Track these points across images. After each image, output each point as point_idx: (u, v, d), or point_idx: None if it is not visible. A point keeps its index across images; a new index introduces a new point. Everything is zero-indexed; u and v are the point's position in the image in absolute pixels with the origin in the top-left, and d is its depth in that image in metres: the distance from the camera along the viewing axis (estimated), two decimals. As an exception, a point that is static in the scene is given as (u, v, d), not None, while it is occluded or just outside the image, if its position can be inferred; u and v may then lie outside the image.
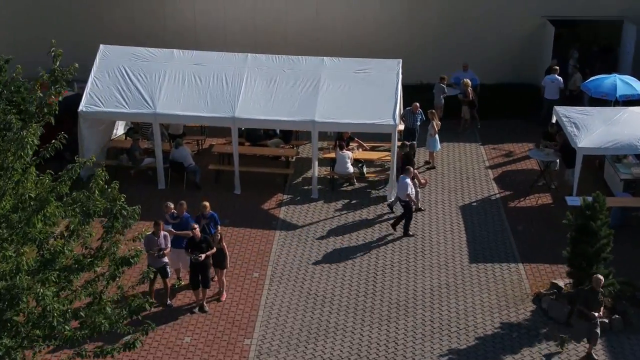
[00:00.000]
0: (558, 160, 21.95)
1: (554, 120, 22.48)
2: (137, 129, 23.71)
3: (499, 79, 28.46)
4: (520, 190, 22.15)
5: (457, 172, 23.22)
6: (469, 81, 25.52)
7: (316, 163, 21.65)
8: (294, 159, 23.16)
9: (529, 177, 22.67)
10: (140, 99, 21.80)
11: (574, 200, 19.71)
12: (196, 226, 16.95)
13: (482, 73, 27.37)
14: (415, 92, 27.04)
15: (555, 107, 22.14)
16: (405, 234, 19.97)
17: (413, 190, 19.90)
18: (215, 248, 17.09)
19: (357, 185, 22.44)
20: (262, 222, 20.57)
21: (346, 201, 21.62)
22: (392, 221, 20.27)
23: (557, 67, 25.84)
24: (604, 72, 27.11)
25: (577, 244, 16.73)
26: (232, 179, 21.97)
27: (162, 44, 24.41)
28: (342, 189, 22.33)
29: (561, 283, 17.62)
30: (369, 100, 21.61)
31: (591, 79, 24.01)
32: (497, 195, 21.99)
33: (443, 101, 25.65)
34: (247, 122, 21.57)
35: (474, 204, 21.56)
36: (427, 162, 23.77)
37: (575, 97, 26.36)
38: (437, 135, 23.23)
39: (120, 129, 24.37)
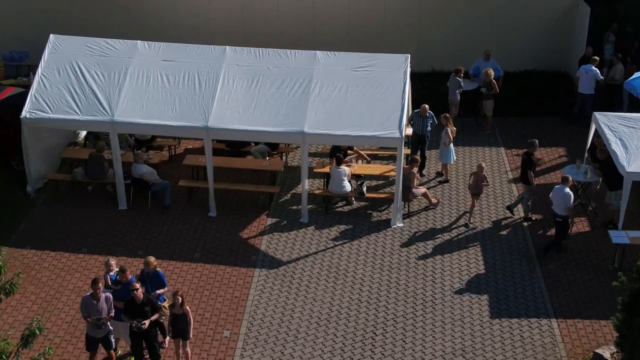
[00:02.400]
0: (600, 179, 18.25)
1: (592, 131, 18.69)
2: (99, 135, 20.11)
3: (523, 67, 24.74)
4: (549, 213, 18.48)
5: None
6: (491, 71, 21.69)
7: (306, 182, 18.01)
8: (282, 169, 19.48)
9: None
10: (95, 103, 18.13)
11: (619, 237, 16.12)
12: (138, 286, 13.42)
13: (504, 60, 23.56)
14: (425, 81, 23.50)
15: (595, 114, 18.33)
16: (558, 250, 17.05)
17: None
18: (173, 312, 13.64)
19: (355, 204, 18.84)
20: (240, 256, 17.04)
21: (342, 227, 18.04)
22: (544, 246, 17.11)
23: (597, 58, 21.95)
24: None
25: (631, 314, 13.13)
26: (208, 198, 18.42)
27: (137, 34, 20.77)
28: (337, 209, 18.74)
29: (607, 354, 14.09)
30: (370, 107, 17.89)
31: (636, 75, 20.10)
32: (522, 221, 18.34)
33: (459, 97, 21.88)
34: (222, 132, 17.87)
35: (495, 230, 17.94)
36: (438, 174, 20.10)
37: (613, 92, 22.51)
38: (452, 145, 19.52)
39: (83, 132, 20.77)
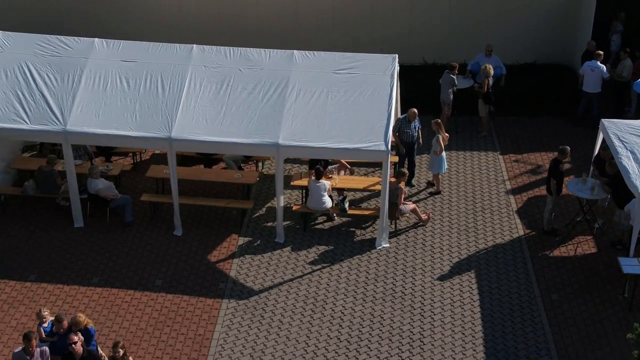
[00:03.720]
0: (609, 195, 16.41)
1: (599, 140, 16.85)
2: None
3: (523, 59, 22.87)
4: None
5: (468, 201, 17.70)
6: (490, 67, 19.75)
7: (281, 199, 16.17)
8: (256, 181, 17.61)
9: (564, 211, 17.19)
10: (45, 110, 16.21)
11: (631, 265, 14.35)
12: (76, 338, 11.60)
13: (501, 51, 21.67)
14: (416, 75, 21.68)
15: (603, 121, 16.47)
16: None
17: None
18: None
19: (336, 220, 17.03)
20: (206, 284, 15.24)
21: (322, 248, 16.23)
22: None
23: (601, 52, 20.04)
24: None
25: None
26: (173, 214, 16.60)
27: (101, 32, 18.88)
28: (317, 226, 16.93)
29: (617, 408, 12.40)
30: (353, 115, 16.02)
31: (647, 74, 18.26)
32: (522, 237, 16.55)
33: (452, 96, 19.98)
34: (187, 144, 15.97)
35: (491, 252, 16.15)
36: (429, 184, 18.27)
37: (620, 90, 20.62)
38: (444, 153, 17.65)
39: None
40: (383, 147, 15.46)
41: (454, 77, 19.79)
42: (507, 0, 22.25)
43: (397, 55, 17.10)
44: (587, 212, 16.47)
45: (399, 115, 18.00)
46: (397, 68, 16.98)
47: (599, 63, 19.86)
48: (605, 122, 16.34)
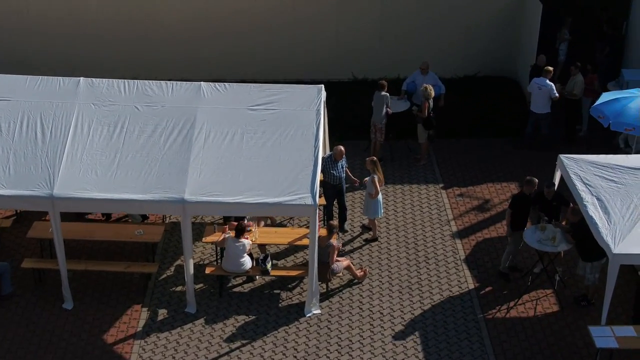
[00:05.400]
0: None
1: (556, 178, 14.67)
2: None
3: (462, 72, 20.74)
4: (507, 287, 14.49)
5: (409, 249, 15.38)
6: (431, 89, 17.42)
7: (191, 262, 13.54)
8: (162, 237, 14.89)
9: (519, 259, 15.00)
10: None
11: (604, 337, 12.20)
12: None
13: (439, 64, 19.50)
14: (344, 91, 19.36)
15: (561, 157, 14.29)
16: None
17: None
18: None
19: (258, 279, 14.53)
20: (102, 374, 12.61)
21: (241, 319, 13.70)
22: None
23: (551, 69, 17.92)
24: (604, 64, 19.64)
25: None
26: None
27: None
28: (235, 288, 14.39)
29: None
30: (273, 161, 13.49)
31: (604, 97, 16.07)
32: (472, 293, 14.31)
33: (385, 120, 17.60)
34: (74, 203, 13.16)
35: (438, 313, 13.87)
36: (365, 228, 15.90)
37: (571, 108, 18.55)
38: (380, 196, 15.27)
39: None
40: (310, 201, 12.98)
41: (386, 94, 17.40)
42: (442, 6, 20.00)
43: (323, 86, 14.60)
44: (547, 264, 14.31)
45: (324, 155, 15.51)
46: (324, 99, 14.51)
47: (547, 81, 17.74)
48: (564, 158, 14.18)
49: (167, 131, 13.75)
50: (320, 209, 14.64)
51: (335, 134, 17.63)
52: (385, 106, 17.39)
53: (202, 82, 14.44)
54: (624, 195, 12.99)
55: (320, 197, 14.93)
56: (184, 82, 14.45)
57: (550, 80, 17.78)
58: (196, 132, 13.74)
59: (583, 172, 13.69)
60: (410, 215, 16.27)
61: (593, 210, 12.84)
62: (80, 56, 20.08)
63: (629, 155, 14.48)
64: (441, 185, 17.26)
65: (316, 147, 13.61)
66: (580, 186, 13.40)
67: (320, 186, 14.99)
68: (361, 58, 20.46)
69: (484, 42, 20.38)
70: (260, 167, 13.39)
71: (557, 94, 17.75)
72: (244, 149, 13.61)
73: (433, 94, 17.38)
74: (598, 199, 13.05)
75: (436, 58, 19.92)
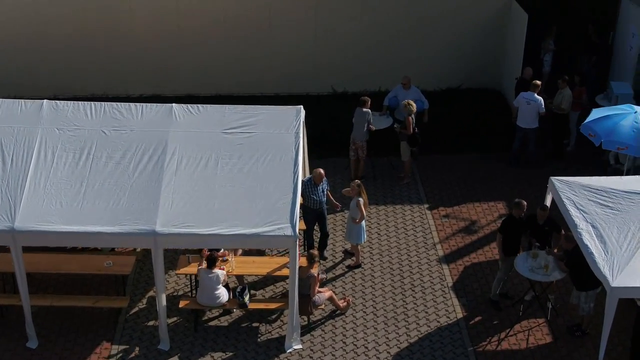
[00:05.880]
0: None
1: (547, 201, 13.99)
2: None
3: (445, 84, 20.10)
4: (497, 316, 13.80)
5: (394, 276, 14.64)
6: (413, 104, 16.70)
7: (163, 297, 12.73)
8: (132, 268, 14.03)
9: (515, 280, 14.31)
10: None
11: (601, 373, 11.55)
12: None
13: (421, 77, 18.87)
14: (323, 106, 18.66)
15: (552, 180, 13.59)
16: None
17: None
18: None
19: (235, 313, 13.74)
20: (69, 421, 11.78)
21: (218, 356, 12.88)
22: None
23: (539, 83, 17.27)
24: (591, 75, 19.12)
25: None
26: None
27: None
28: (211, 322, 13.58)
29: None
30: (249, 189, 12.70)
31: (594, 114, 15.38)
32: (461, 323, 13.58)
33: (367, 137, 16.88)
34: (36, 237, 12.26)
35: (426, 347, 13.14)
36: (347, 253, 15.15)
37: (559, 123, 17.91)
38: (363, 222, 14.53)
39: None
40: (289, 232, 12.20)
41: (369, 112, 16.69)
42: (424, 15, 19.31)
43: (302, 107, 13.83)
44: (539, 292, 13.63)
45: (303, 178, 14.72)
46: (303, 120, 13.74)
47: (536, 95, 17.10)
48: (556, 181, 13.48)
49: (136, 157, 12.93)
50: (300, 234, 13.88)
51: (315, 151, 16.93)
52: (367, 123, 16.67)
53: (173, 104, 13.62)
54: (620, 222, 12.31)
55: (300, 220, 14.25)
56: (155, 104, 13.61)
57: (538, 94, 17.15)
58: (168, 158, 12.92)
59: (576, 196, 13.01)
60: (394, 238, 15.55)
61: (588, 239, 12.15)
62: (44, 72, 19.20)
63: (622, 177, 13.87)
64: (426, 205, 16.56)
65: (295, 172, 12.84)
66: (573, 212, 12.71)
67: (300, 210, 14.30)
68: (341, 71, 19.75)
69: (468, 54, 19.73)
70: (236, 195, 12.60)
71: (544, 110, 17.11)
72: (218, 176, 12.81)
73: (415, 109, 16.67)
74: (593, 227, 12.37)
75: (418, 70, 19.31)
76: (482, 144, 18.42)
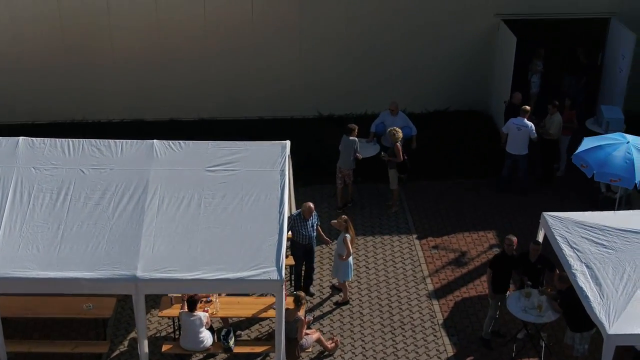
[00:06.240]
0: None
1: (540, 237, 13.64)
2: None
3: (433, 107, 19.77)
4: (489, 355, 13.43)
5: (383, 313, 14.24)
6: (398, 131, 16.33)
7: (145, 343, 12.26)
8: (114, 307, 13.55)
9: (500, 322, 13.95)
10: None
11: None
12: None
13: (407, 98, 18.57)
14: (308, 130, 18.30)
15: (544, 215, 13.26)
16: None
17: None
18: None
19: (220, 356, 13.28)
20: None
21: (202, 402, 12.50)
22: None
23: (528, 108, 16.94)
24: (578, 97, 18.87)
25: None
26: (2, 366, 12.51)
27: None
28: (195, 366, 13.17)
29: None
30: (234, 230, 12.27)
31: (586, 144, 14.98)
32: (453, 363, 13.28)
33: (354, 165, 16.52)
34: (12, 284, 11.74)
35: (418, 390, 12.80)
36: (335, 289, 14.75)
37: (548, 148, 17.57)
38: (351, 259, 14.14)
39: None
40: (275, 276, 11.78)
41: (356, 140, 16.31)
42: (409, 37, 18.92)
43: (288, 143, 13.41)
44: (532, 330, 13.29)
45: (292, 212, 14.33)
46: (288, 155, 13.33)
47: (526, 120, 16.77)
48: (548, 217, 13.14)
49: (116, 197, 12.48)
50: (286, 269, 13.46)
51: (300, 178, 16.55)
52: (354, 152, 16.29)
53: (154, 141, 13.18)
54: (615, 263, 11.99)
55: (287, 256, 13.90)
56: (135, 141, 13.16)
57: (528, 119, 16.82)
58: (149, 198, 12.48)
59: (569, 233, 12.68)
60: (383, 272, 15.16)
61: (583, 281, 11.82)
62: (21, 96, 18.70)
63: (616, 213, 13.53)
64: (415, 235, 16.18)
65: (281, 212, 12.42)
66: (567, 251, 12.38)
67: (288, 245, 13.97)
68: (326, 93, 19.33)
69: (455, 75, 19.37)
70: (220, 238, 12.16)
71: (536, 134, 16.79)
72: (201, 217, 12.37)
73: (401, 136, 16.29)
74: (588, 267, 12.04)
75: (405, 92, 19.03)
76: (470, 169, 18.06)
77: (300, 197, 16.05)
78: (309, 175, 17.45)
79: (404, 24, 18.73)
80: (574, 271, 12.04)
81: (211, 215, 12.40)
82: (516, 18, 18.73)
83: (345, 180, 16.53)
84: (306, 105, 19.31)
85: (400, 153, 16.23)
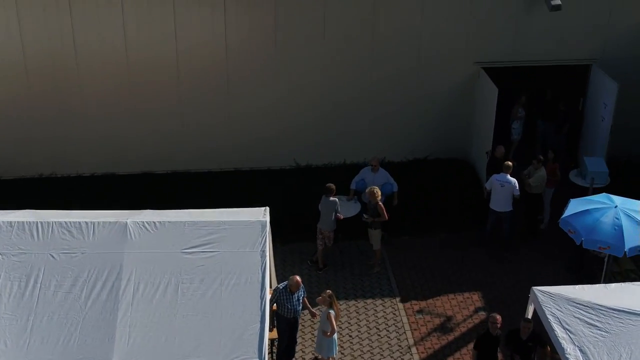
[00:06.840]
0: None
1: (529, 312, 13.24)
2: None
3: (412, 155, 19.36)
4: None
5: (369, 388, 13.84)
6: (377, 190, 15.88)
7: None
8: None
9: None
10: None
11: None
12: None
13: (383, 145, 18.20)
14: (285, 181, 17.87)
15: (534, 290, 12.82)
16: None
17: None
18: None
19: None
20: None
21: None
22: None
23: (511, 164, 16.57)
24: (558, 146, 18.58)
25: None
26: None
27: None
28: None
29: None
30: (213, 317, 11.68)
31: (572, 207, 14.55)
32: None
33: (335, 226, 16.06)
34: (-22, 384, 11.23)
35: None
36: (318, 362, 14.29)
37: (531, 201, 17.22)
38: (335, 335, 13.65)
39: None
40: (258, 366, 11.26)
41: (335, 199, 15.83)
42: (389, 83, 18.48)
43: (267, 220, 12.85)
44: (521, 406, 12.91)
45: (278, 285, 13.80)
46: (268, 234, 12.79)
47: (509, 177, 16.40)
48: (538, 293, 12.68)
49: (89, 285, 11.85)
50: (269, 342, 12.93)
51: (279, 235, 16.01)
52: (335, 212, 15.81)
53: (128, 220, 12.56)
54: (610, 347, 11.60)
55: (271, 330, 13.40)
56: (107, 222, 12.52)
57: (511, 175, 16.46)
58: (123, 284, 11.87)
59: (561, 312, 12.25)
60: (367, 341, 14.69)
61: (577, 366, 11.43)
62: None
63: (607, 286, 13.12)
64: (398, 298, 15.73)
65: (262, 298, 11.87)
66: (559, 332, 11.94)
67: (273, 317, 13.48)
68: (303, 143, 18.80)
69: (435, 122, 18.97)
70: (199, 327, 11.59)
71: (519, 192, 16.43)
72: (179, 304, 11.78)
73: (379, 196, 15.82)
74: (581, 351, 11.62)
75: (383, 140, 18.61)
76: (452, 222, 17.66)
77: (279, 257, 15.62)
78: (288, 231, 16.96)
79: (382, 72, 18.27)
80: (567, 355, 11.62)
81: (189, 301, 11.82)
82: (495, 67, 18.38)
83: (325, 243, 16.05)
84: (283, 155, 18.77)
85: (385, 212, 15.79)
